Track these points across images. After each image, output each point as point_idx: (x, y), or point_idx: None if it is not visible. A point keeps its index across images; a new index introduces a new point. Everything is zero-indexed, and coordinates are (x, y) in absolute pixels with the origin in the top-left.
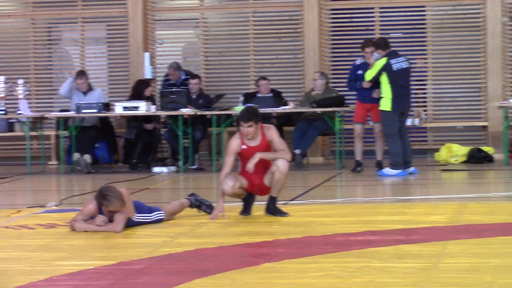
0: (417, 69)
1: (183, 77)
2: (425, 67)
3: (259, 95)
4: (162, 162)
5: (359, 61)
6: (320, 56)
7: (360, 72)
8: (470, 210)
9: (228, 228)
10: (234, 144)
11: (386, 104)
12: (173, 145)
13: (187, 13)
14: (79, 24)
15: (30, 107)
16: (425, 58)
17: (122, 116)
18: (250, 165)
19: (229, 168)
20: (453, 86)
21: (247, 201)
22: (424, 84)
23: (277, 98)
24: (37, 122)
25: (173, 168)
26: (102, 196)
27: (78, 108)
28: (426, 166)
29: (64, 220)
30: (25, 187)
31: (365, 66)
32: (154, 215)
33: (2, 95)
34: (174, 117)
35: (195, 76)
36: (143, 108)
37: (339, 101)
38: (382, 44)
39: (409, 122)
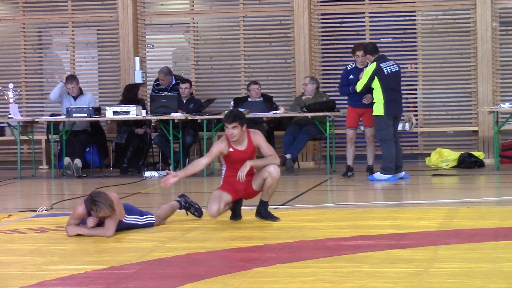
0: (407, 73)
1: (174, 82)
2: (416, 72)
3: (249, 99)
4: (153, 167)
5: (350, 65)
6: (311, 61)
7: (351, 77)
8: (461, 215)
9: (219, 233)
10: (222, 145)
11: (379, 109)
12: (164, 150)
13: (177, 17)
14: (70, 29)
15: (20, 112)
16: (415, 63)
17: (112, 121)
18: (242, 174)
19: (209, 160)
20: (443, 91)
21: (235, 207)
22: (415, 89)
23: (268, 102)
24: (27, 127)
25: (163, 173)
26: (93, 202)
27: (69, 113)
28: (416, 171)
29: (55, 225)
30: (16, 191)
31: (357, 71)
32: (145, 219)
33: None
34: (165, 122)
35: (186, 81)
36: (133, 112)
37: (330, 106)
38: (370, 49)
39: (399, 127)
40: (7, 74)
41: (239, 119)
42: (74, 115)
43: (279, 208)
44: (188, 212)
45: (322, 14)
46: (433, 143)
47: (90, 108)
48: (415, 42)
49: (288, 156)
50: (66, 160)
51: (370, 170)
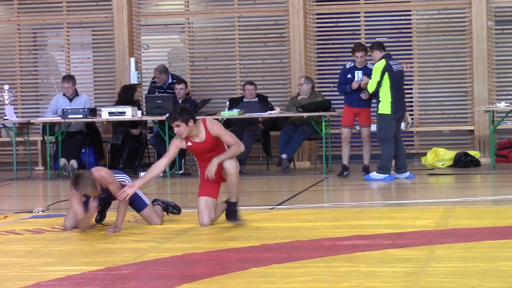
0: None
1: (170, 80)
2: (411, 71)
3: (245, 99)
4: (149, 167)
5: (349, 64)
6: (306, 61)
7: (349, 76)
8: (457, 214)
9: (215, 233)
10: (177, 141)
11: (385, 107)
12: (160, 150)
13: (172, 18)
14: (65, 30)
15: (16, 113)
16: (411, 63)
17: (108, 122)
18: (211, 174)
19: (168, 160)
20: (439, 90)
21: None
22: (410, 88)
23: (263, 103)
24: (23, 128)
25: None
26: (75, 182)
27: (64, 114)
28: (412, 171)
29: (51, 226)
30: (11, 192)
31: (355, 70)
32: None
33: None
34: (161, 122)
35: (181, 81)
36: (129, 113)
37: (325, 106)
38: (378, 47)
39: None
40: (2, 75)
41: (180, 117)
42: (69, 116)
43: (275, 208)
44: (168, 213)
45: (317, 14)
46: (429, 142)
47: (86, 109)
48: (410, 41)
49: (284, 156)
50: (62, 161)
51: (366, 170)
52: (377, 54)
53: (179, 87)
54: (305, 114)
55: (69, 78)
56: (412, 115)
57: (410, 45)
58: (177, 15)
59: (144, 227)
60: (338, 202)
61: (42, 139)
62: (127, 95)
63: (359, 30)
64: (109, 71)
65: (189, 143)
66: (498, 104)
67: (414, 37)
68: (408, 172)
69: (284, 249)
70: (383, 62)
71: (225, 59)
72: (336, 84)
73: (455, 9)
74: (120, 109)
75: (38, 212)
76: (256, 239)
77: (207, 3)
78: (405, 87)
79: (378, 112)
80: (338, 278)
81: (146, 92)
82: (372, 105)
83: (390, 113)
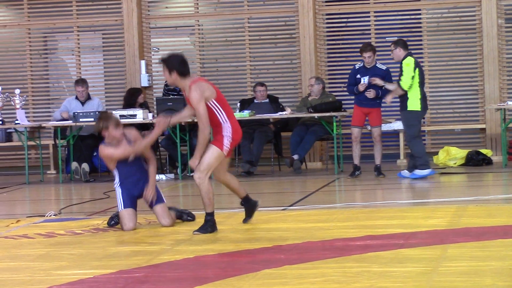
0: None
1: None
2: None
3: (256, 101)
4: (160, 170)
5: (358, 64)
6: (316, 61)
7: (359, 76)
8: (469, 213)
9: (227, 235)
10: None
11: (415, 104)
12: (171, 153)
13: (182, 20)
14: (75, 33)
15: (27, 117)
16: (421, 61)
17: None
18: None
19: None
20: (450, 89)
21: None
22: None
23: (274, 104)
24: (34, 132)
25: (171, 176)
26: (101, 119)
27: (76, 117)
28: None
29: (64, 229)
30: (24, 196)
31: (364, 70)
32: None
33: None
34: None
35: None
36: (140, 116)
37: (336, 106)
38: (403, 44)
39: None
40: (13, 80)
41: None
42: (81, 120)
43: (287, 209)
44: (182, 220)
45: (327, 14)
46: (441, 141)
47: (97, 113)
48: (420, 40)
49: (295, 157)
50: (74, 164)
51: (378, 170)
52: (401, 51)
53: None
54: (316, 115)
55: (82, 82)
56: None
57: (421, 44)
58: (187, 17)
59: (156, 230)
60: (350, 203)
61: (53, 143)
62: (133, 98)
63: (369, 29)
64: (119, 74)
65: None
66: (509, 102)
67: (424, 36)
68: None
69: (296, 250)
70: (411, 59)
71: (235, 61)
72: (346, 85)
73: (465, 7)
74: (131, 111)
75: (50, 216)
76: (268, 240)
77: (216, 5)
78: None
79: (407, 109)
80: (351, 278)
81: (161, 94)
82: (382, 104)
83: (419, 109)
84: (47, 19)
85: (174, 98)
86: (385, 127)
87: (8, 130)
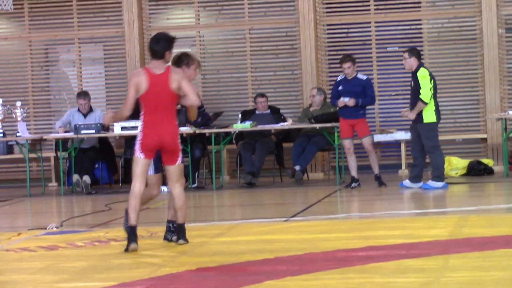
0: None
1: None
2: None
3: (257, 112)
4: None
5: (340, 76)
6: (318, 72)
7: (340, 87)
8: (471, 223)
9: (229, 246)
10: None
11: (430, 115)
12: None
13: (183, 31)
14: (76, 45)
15: (28, 129)
16: None
17: (121, 136)
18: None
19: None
20: (451, 99)
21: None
22: None
23: (276, 114)
24: (36, 144)
25: None
26: (185, 54)
27: (77, 129)
28: (426, 180)
29: (65, 242)
30: (25, 209)
31: (346, 82)
32: None
33: (0, 118)
34: None
35: None
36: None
37: (338, 116)
38: (416, 54)
39: (408, 135)
40: (14, 92)
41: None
42: (82, 132)
43: (289, 220)
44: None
45: (328, 25)
46: (442, 151)
47: (98, 125)
48: (421, 50)
49: (297, 167)
50: (75, 177)
51: (379, 180)
52: (415, 61)
53: None
54: (317, 125)
55: (84, 94)
56: None
57: (422, 54)
58: (188, 28)
59: (158, 242)
60: (352, 213)
61: (55, 155)
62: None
63: (370, 40)
64: (121, 86)
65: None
66: (510, 112)
67: (425, 46)
68: (422, 182)
69: (298, 261)
70: (426, 70)
71: (236, 72)
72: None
73: (465, 17)
74: (133, 123)
75: (52, 228)
76: (270, 251)
77: (217, 16)
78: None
79: (424, 121)
80: None
81: None
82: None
83: (436, 120)
84: (48, 31)
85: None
86: (387, 137)
87: (10, 143)
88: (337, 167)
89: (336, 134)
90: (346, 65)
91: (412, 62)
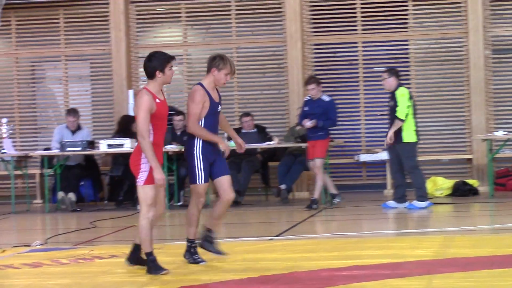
0: None
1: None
2: None
3: (243, 131)
4: None
5: (307, 97)
6: (304, 91)
7: (306, 108)
8: (456, 243)
9: (214, 264)
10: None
11: (410, 135)
12: None
13: (170, 49)
14: (63, 62)
15: (14, 146)
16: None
17: (107, 154)
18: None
19: None
20: (437, 119)
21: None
22: None
23: (262, 133)
24: (21, 161)
25: None
26: (220, 57)
27: (63, 146)
28: (411, 200)
29: (50, 259)
30: (10, 226)
31: (311, 102)
32: None
33: None
34: None
35: (180, 113)
36: (127, 145)
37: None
38: (396, 74)
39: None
40: (0, 108)
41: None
42: (68, 149)
43: (274, 239)
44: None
45: (315, 44)
46: (428, 171)
47: (84, 142)
48: (408, 71)
49: (282, 186)
50: (60, 194)
51: (312, 202)
52: (394, 81)
53: (177, 118)
54: (303, 145)
55: (74, 112)
56: None
57: (408, 75)
58: (175, 46)
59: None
60: (337, 232)
61: (40, 172)
62: (128, 125)
63: (357, 60)
64: (107, 103)
65: (157, 100)
66: (496, 133)
67: (411, 67)
68: (407, 202)
69: (283, 280)
70: (405, 89)
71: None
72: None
73: (452, 38)
74: (118, 141)
75: (36, 245)
76: (255, 270)
77: (205, 35)
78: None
79: (403, 141)
80: None
81: None
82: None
83: (415, 140)
84: (35, 48)
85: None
86: (372, 157)
87: None
88: (322, 186)
89: None
90: (310, 86)
91: (391, 81)
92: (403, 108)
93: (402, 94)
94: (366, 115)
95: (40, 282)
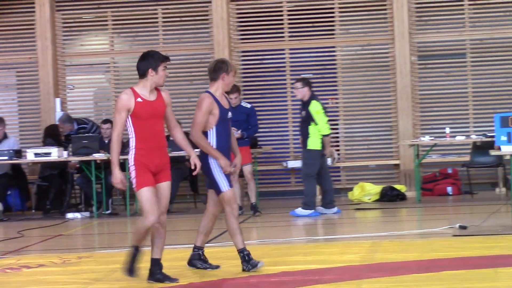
0: (328, 109)
1: (76, 127)
2: (336, 107)
3: (170, 138)
4: (76, 208)
5: None
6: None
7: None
8: (384, 248)
9: (141, 272)
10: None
11: (315, 143)
12: (86, 190)
13: (97, 58)
14: None
15: None
16: (336, 98)
17: (34, 163)
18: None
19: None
20: (364, 125)
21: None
22: (336, 124)
23: (190, 141)
24: None
25: (86, 214)
26: (226, 62)
27: None
28: (339, 206)
29: None
30: None
31: (233, 110)
32: None
33: None
34: (87, 162)
35: (107, 121)
36: (55, 154)
37: (252, 143)
38: (310, 83)
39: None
40: None
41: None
42: None
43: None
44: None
45: (242, 51)
46: (355, 177)
47: (11, 151)
48: (335, 77)
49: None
50: None
51: (254, 209)
52: (307, 90)
53: (105, 126)
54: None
55: (0, 121)
56: (338, 150)
57: (335, 81)
58: (102, 55)
59: (72, 269)
60: (265, 239)
61: None
62: (55, 131)
63: (285, 66)
64: (34, 112)
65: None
66: (422, 138)
67: (338, 73)
68: (336, 208)
69: (211, 287)
70: (318, 104)
71: None
72: None
73: (378, 44)
74: (46, 150)
75: None
76: (184, 277)
77: (132, 42)
78: (330, 122)
79: (307, 147)
80: None
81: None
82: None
83: (320, 148)
84: None
85: (89, 136)
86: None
87: None
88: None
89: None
90: (234, 95)
91: (304, 91)
92: (323, 124)
93: (317, 112)
94: (294, 122)
95: None
